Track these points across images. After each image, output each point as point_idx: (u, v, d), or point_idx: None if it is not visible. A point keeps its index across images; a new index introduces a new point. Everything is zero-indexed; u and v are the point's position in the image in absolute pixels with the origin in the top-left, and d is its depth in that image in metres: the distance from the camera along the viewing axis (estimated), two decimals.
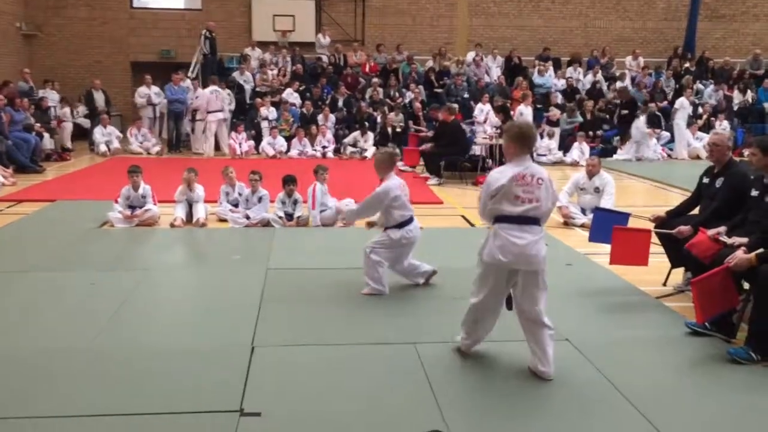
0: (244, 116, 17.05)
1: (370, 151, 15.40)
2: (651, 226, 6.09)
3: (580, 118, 16.96)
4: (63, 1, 19.42)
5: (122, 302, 5.52)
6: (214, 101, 15.84)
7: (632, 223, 6.45)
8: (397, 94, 17.69)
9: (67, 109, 16.41)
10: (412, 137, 15.19)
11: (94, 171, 13.25)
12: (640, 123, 16.01)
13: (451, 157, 12.50)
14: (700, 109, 17.90)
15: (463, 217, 9.42)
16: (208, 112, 15.79)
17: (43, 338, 4.73)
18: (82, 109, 17.08)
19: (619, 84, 18.39)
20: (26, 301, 5.56)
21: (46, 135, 14.62)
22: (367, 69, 18.92)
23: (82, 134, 16.95)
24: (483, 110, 16.21)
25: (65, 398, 3.84)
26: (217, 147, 16.06)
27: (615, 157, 16.03)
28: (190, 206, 8.68)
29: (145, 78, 16.67)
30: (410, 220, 5.90)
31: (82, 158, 15.09)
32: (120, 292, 5.75)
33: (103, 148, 15.42)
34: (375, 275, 5.75)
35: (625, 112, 16.88)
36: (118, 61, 19.67)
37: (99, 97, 16.79)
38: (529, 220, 4.09)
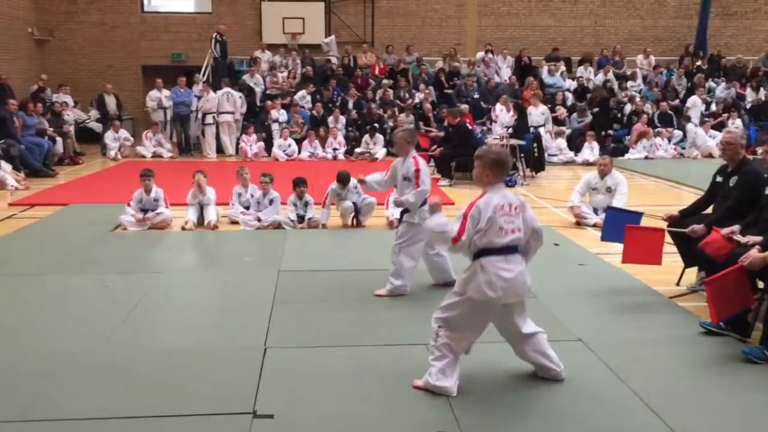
0: (255, 119, 17.09)
1: (380, 153, 15.40)
2: (664, 225, 6.05)
3: (590, 117, 16.90)
4: (74, 6, 19.53)
5: (135, 305, 5.54)
6: (224, 103, 15.94)
7: (645, 223, 6.42)
8: (407, 95, 17.69)
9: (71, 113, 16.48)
10: (423, 138, 15.17)
11: (107, 175, 13.33)
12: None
13: (461, 158, 12.47)
14: (713, 107, 17.79)
15: None
16: (219, 113, 15.90)
17: (57, 341, 4.76)
18: (93, 113, 17.18)
19: (595, 83, 18.51)
20: (40, 303, 5.59)
21: (59, 139, 14.71)
22: (376, 71, 18.92)
23: (94, 138, 17.07)
24: (502, 110, 16.05)
25: (78, 400, 3.86)
26: (220, 149, 16.18)
27: (627, 156, 15.95)
28: (201, 209, 8.71)
29: (157, 82, 16.75)
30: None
31: (94, 162, 15.18)
32: (133, 295, 5.78)
33: (113, 152, 15.50)
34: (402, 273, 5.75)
35: (596, 110, 16.77)
36: (130, 65, 19.76)
37: (111, 101, 16.88)
38: (513, 250, 3.91)
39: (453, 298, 3.96)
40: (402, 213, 5.92)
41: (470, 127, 13.55)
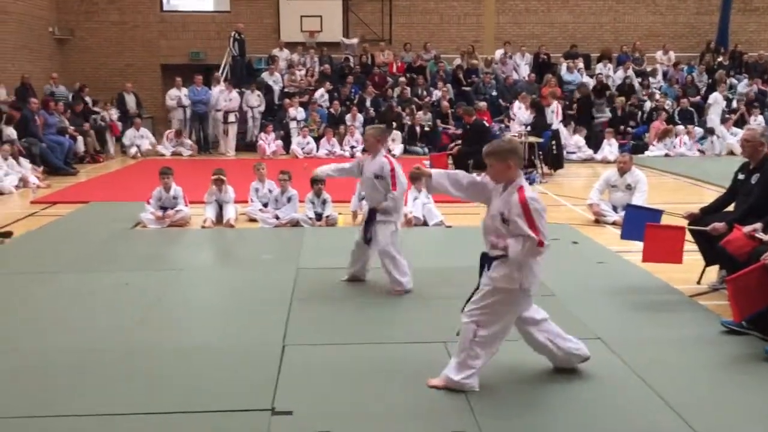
0: (273, 117, 17.17)
1: (398, 149, 15.41)
2: (685, 223, 6.00)
3: (608, 114, 16.79)
4: (95, 5, 19.70)
5: (155, 301, 5.59)
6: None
7: (665, 221, 6.35)
8: (424, 93, 17.67)
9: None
10: (444, 136, 15.16)
11: (127, 173, 13.44)
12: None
13: (478, 156, 12.43)
14: (734, 104, 17.59)
15: None
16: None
17: (77, 337, 4.80)
18: (114, 112, 17.31)
19: (614, 80, 18.54)
20: (61, 300, 5.65)
21: (80, 138, 14.86)
22: (394, 68, 18.92)
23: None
24: (520, 108, 16.00)
25: (98, 396, 3.89)
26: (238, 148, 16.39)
27: (647, 153, 15.83)
28: (220, 207, 8.75)
29: (176, 80, 16.86)
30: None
31: (114, 160, 15.32)
32: (153, 292, 5.83)
33: (133, 150, 15.64)
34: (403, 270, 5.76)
35: (575, 105, 16.70)
36: (149, 64, 19.90)
37: (130, 100, 17.02)
38: None
39: (493, 296, 3.84)
40: (372, 213, 5.83)
41: (487, 125, 13.49)
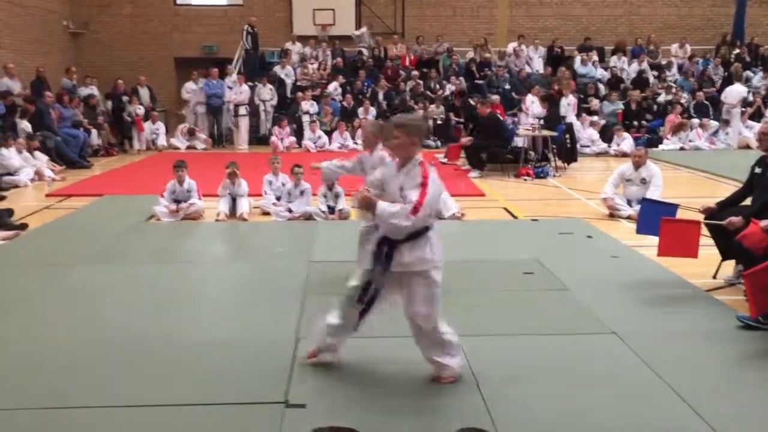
0: (286, 110, 17.18)
1: None
2: (701, 217, 5.95)
3: (621, 106, 16.67)
4: None
5: (169, 294, 5.61)
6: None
7: (681, 215, 6.30)
8: (437, 86, 17.61)
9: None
10: (456, 130, 15.11)
11: (140, 166, 13.49)
12: None
13: (494, 149, 12.39)
14: (750, 97, 17.41)
15: (506, 209, 9.33)
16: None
17: (91, 329, 4.83)
18: (140, 107, 17.34)
19: (629, 73, 18.42)
20: (75, 293, 5.68)
21: (94, 131, 14.94)
22: (407, 62, 18.86)
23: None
24: (533, 101, 15.95)
25: (113, 388, 3.91)
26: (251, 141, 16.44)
27: (661, 147, 15.71)
28: (233, 200, 8.77)
29: (192, 74, 16.89)
30: None
31: (129, 154, 15.39)
32: (166, 285, 5.86)
33: (161, 142, 15.75)
34: None
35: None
36: (162, 57, 19.94)
37: (144, 94, 17.06)
38: None
39: (432, 288, 3.81)
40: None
41: (501, 118, 13.41)
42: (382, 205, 3.67)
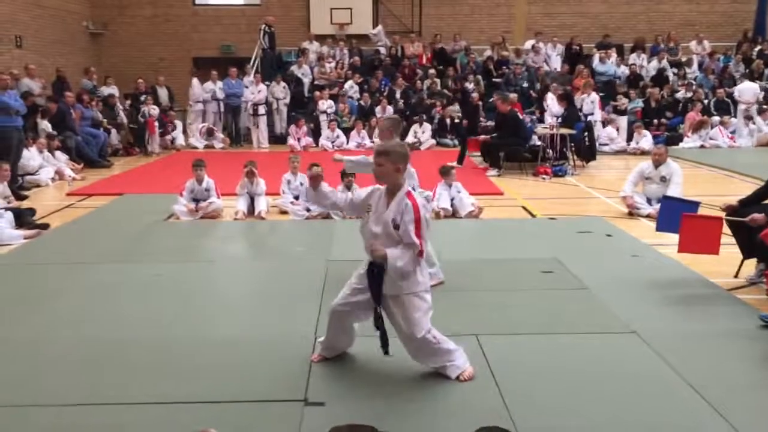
0: (303, 109, 17.23)
1: (428, 142, 15.39)
2: (722, 214, 5.88)
3: (640, 104, 16.54)
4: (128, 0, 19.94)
5: (188, 293, 5.65)
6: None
7: (702, 213, 6.23)
8: (454, 85, 17.57)
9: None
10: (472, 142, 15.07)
11: (159, 166, 13.59)
12: None
13: (512, 148, 12.34)
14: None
15: (524, 207, 9.29)
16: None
17: (110, 328, 4.87)
18: (153, 108, 17.44)
19: (648, 70, 18.37)
20: (94, 291, 5.73)
21: (114, 131, 15.07)
22: (424, 60, 18.84)
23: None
24: (552, 99, 15.92)
25: (134, 386, 3.94)
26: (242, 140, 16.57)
27: (681, 145, 15.57)
28: (251, 199, 8.81)
29: (212, 74, 16.98)
30: None
31: (148, 155, 15.50)
32: (185, 283, 5.89)
33: (180, 141, 15.84)
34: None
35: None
36: (181, 57, 20.06)
37: (163, 93, 17.18)
38: None
39: (419, 303, 3.84)
40: None
41: (521, 116, 13.34)
42: (392, 255, 3.71)
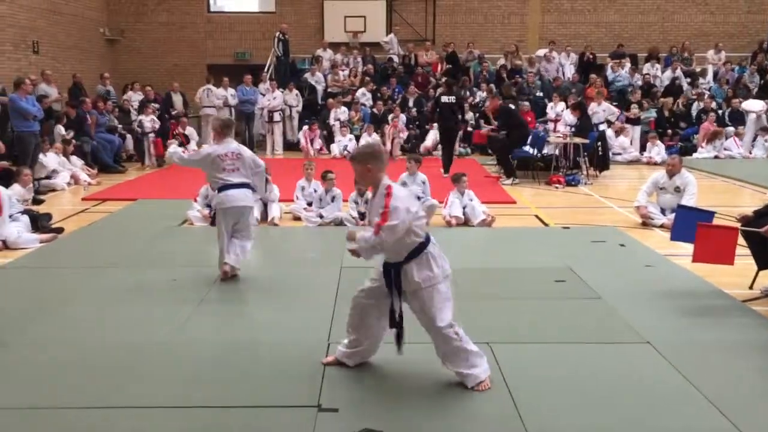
0: (316, 117, 17.30)
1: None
2: (737, 225, 5.85)
3: (654, 113, 16.50)
4: (144, 7, 20.11)
5: (201, 298, 5.67)
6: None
7: (717, 223, 6.20)
8: (468, 93, 17.58)
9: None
10: (476, 134, 15.09)
11: (173, 171, 13.65)
12: None
13: (514, 139, 12.29)
14: None
15: (537, 216, 9.28)
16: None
17: (126, 332, 4.90)
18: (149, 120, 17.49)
19: (662, 80, 18.31)
20: (109, 295, 5.78)
21: (128, 136, 15.16)
22: (438, 69, 18.87)
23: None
24: (555, 108, 16.01)
25: (148, 390, 3.97)
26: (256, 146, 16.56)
27: (695, 155, 15.50)
28: (264, 206, 8.85)
29: (223, 80, 17.08)
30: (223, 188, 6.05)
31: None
32: (199, 289, 5.92)
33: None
34: None
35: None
36: (195, 64, 20.20)
37: (177, 100, 17.29)
38: None
39: (436, 294, 3.87)
40: None
41: (512, 108, 13.26)
42: (359, 235, 3.88)
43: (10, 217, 7.65)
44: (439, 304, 3.87)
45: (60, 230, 8.14)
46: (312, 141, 15.90)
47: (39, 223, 8.15)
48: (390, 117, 16.54)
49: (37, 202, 9.85)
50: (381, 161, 3.94)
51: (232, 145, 6.15)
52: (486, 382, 3.97)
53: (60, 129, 12.79)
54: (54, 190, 11.22)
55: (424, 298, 3.87)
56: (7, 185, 8.39)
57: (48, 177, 11.39)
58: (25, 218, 7.93)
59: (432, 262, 3.88)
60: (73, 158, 12.45)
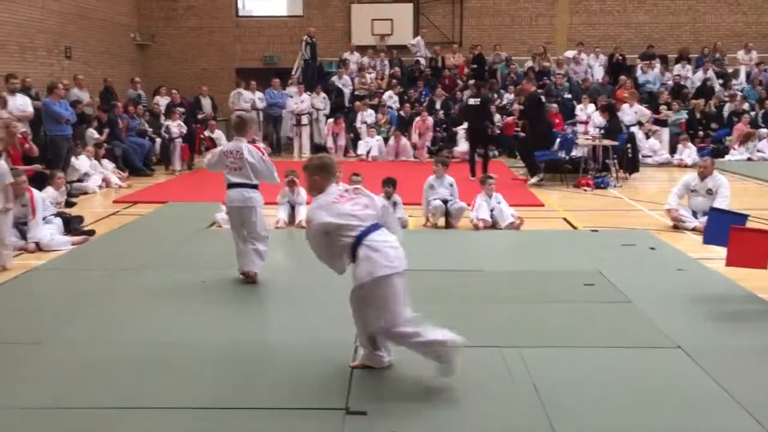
0: (344, 116, 17.34)
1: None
2: None
3: (684, 115, 16.27)
4: (174, 12, 20.35)
5: (229, 300, 5.71)
6: None
7: (750, 226, 6.09)
8: (495, 96, 17.50)
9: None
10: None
11: (202, 174, 13.76)
12: None
13: (537, 135, 12.18)
14: None
15: (565, 219, 9.20)
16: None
17: (155, 332, 4.95)
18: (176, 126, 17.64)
19: (693, 81, 18.00)
20: (140, 296, 5.85)
21: (158, 140, 15.31)
22: (464, 71, 18.82)
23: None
24: (585, 110, 15.86)
25: (178, 391, 4.00)
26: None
27: (727, 157, 15.26)
28: (292, 208, 8.89)
29: (251, 84, 17.21)
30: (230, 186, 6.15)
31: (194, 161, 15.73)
32: (227, 290, 5.97)
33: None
34: None
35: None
36: (224, 68, 20.39)
37: (206, 103, 17.45)
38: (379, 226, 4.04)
39: (371, 289, 3.96)
40: None
41: (543, 99, 13.05)
42: None
43: (44, 219, 7.78)
44: (384, 301, 3.92)
45: (91, 232, 8.26)
46: (337, 136, 15.95)
47: (71, 225, 8.28)
48: (416, 120, 16.53)
49: (69, 204, 10.00)
50: (329, 173, 4.15)
51: (240, 143, 6.21)
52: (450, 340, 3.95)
53: (92, 132, 12.98)
54: (86, 192, 11.39)
55: (370, 293, 3.97)
56: (40, 188, 8.55)
57: (80, 180, 11.56)
58: (58, 221, 8.07)
59: (360, 263, 3.93)
60: (105, 161, 12.62)
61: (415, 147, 15.92)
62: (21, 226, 7.58)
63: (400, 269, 3.94)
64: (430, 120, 16.29)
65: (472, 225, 8.50)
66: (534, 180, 11.93)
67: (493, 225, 8.54)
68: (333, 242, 4.00)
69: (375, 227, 4.00)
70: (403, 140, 15.96)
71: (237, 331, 5.01)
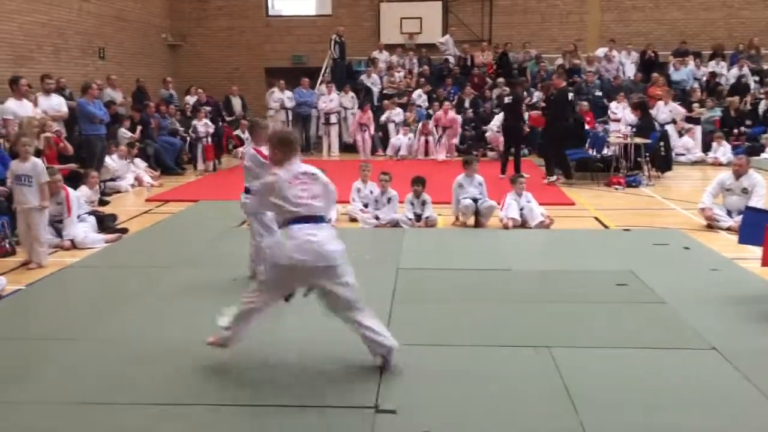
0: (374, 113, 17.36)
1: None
2: None
3: (718, 112, 15.99)
4: (205, 12, 20.55)
5: None
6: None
7: None
8: (525, 94, 17.36)
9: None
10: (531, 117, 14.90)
11: (232, 173, 13.88)
12: None
13: (562, 128, 11.98)
14: None
15: (596, 218, 9.10)
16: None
17: (188, 330, 4.99)
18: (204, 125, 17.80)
19: (727, 78, 17.64)
20: (172, 294, 5.92)
21: (188, 139, 15.47)
22: (491, 69, 18.70)
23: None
24: (620, 107, 15.61)
25: (208, 387, 4.05)
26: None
27: (763, 155, 14.95)
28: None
29: (279, 83, 17.31)
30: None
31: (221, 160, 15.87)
32: None
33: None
34: None
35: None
36: (254, 68, 20.53)
37: (236, 103, 17.57)
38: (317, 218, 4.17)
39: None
40: None
41: (570, 96, 12.84)
42: None
43: (78, 217, 7.91)
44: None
45: (124, 230, 8.38)
46: (365, 130, 15.97)
47: (105, 223, 8.41)
48: (438, 113, 16.31)
49: (102, 203, 10.16)
50: (290, 149, 4.26)
51: (249, 148, 6.28)
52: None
53: (124, 132, 13.15)
54: (119, 191, 11.55)
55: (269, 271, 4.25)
56: (75, 187, 8.69)
57: (113, 179, 11.73)
58: (92, 219, 8.20)
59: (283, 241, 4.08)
60: (137, 160, 12.79)
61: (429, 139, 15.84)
62: (56, 224, 7.73)
63: (303, 264, 4.07)
64: (455, 116, 16.12)
65: (501, 224, 8.45)
66: (553, 179, 11.75)
67: (523, 224, 8.48)
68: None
69: (307, 219, 4.13)
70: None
71: (266, 329, 5.02)
